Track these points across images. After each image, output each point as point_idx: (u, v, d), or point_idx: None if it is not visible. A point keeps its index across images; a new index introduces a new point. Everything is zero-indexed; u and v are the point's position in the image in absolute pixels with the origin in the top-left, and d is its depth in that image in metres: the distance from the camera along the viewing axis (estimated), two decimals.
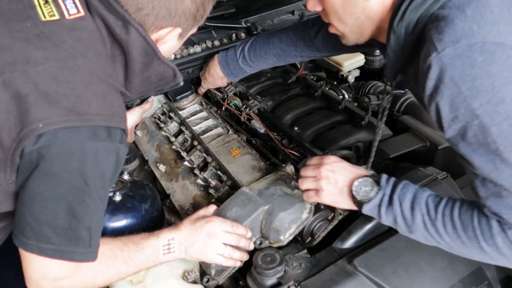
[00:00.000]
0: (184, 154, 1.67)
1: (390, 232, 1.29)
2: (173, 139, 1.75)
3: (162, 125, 1.82)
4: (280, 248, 1.29)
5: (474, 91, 0.93)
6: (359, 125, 1.66)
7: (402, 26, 1.05)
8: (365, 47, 1.55)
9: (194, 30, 1.19)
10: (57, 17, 1.02)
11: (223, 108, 1.84)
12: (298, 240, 1.36)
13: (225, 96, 1.87)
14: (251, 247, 1.30)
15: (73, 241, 1.01)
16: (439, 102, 0.97)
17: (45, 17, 1.02)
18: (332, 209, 1.34)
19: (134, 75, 1.11)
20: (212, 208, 1.35)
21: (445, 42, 0.94)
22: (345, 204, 1.21)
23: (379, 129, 1.40)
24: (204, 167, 1.64)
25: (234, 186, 1.49)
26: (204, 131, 1.74)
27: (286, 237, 1.30)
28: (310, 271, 1.22)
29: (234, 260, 1.28)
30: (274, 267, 1.19)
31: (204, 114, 1.83)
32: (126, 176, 1.48)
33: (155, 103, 1.89)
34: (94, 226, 1.04)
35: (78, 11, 1.03)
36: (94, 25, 1.04)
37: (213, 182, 1.53)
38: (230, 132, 1.72)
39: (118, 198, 1.37)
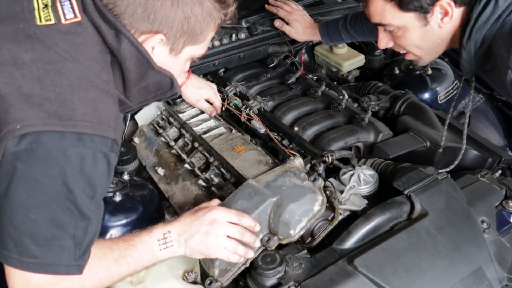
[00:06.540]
0: (184, 156, 1.62)
1: (391, 232, 1.30)
2: (172, 143, 1.70)
3: (161, 130, 1.77)
4: (280, 248, 1.29)
5: None
6: (359, 125, 1.67)
7: (471, 44, 1.27)
8: None
9: (192, 51, 1.14)
10: (52, 21, 1.01)
11: (223, 108, 1.83)
12: (298, 240, 1.35)
13: (225, 96, 1.87)
14: (257, 244, 1.21)
15: (57, 252, 0.97)
16: None
17: (40, 21, 1.01)
18: (332, 209, 1.34)
19: (131, 84, 1.09)
20: (215, 202, 1.26)
21: None
22: None
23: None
24: (205, 168, 1.58)
25: (238, 184, 1.41)
26: (206, 132, 1.68)
27: (296, 232, 1.22)
28: (310, 272, 1.21)
29: (238, 255, 1.19)
30: (274, 268, 1.19)
31: (205, 116, 1.78)
32: (126, 176, 1.48)
33: (153, 109, 1.86)
34: (80, 235, 0.98)
35: (75, 16, 1.02)
36: (90, 30, 1.02)
37: (216, 180, 1.47)
38: (234, 131, 1.67)
39: (118, 198, 1.37)
